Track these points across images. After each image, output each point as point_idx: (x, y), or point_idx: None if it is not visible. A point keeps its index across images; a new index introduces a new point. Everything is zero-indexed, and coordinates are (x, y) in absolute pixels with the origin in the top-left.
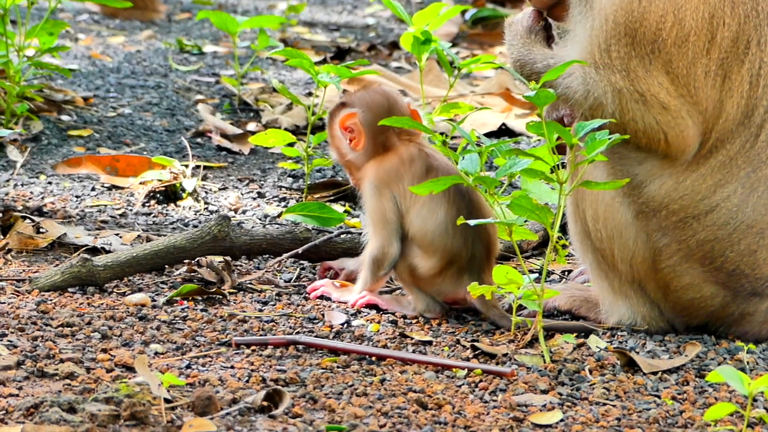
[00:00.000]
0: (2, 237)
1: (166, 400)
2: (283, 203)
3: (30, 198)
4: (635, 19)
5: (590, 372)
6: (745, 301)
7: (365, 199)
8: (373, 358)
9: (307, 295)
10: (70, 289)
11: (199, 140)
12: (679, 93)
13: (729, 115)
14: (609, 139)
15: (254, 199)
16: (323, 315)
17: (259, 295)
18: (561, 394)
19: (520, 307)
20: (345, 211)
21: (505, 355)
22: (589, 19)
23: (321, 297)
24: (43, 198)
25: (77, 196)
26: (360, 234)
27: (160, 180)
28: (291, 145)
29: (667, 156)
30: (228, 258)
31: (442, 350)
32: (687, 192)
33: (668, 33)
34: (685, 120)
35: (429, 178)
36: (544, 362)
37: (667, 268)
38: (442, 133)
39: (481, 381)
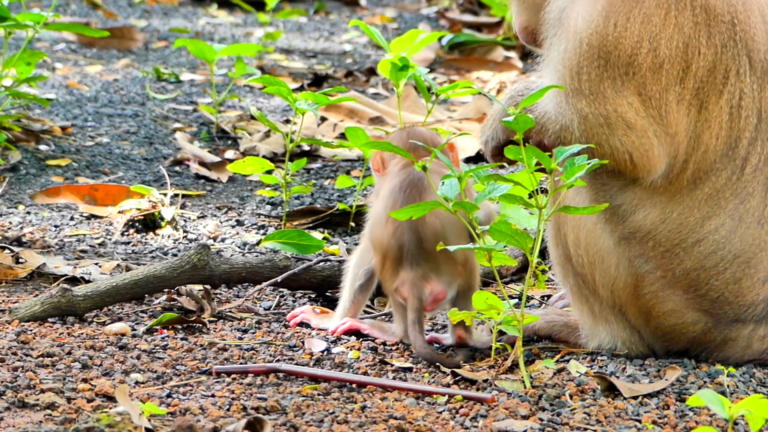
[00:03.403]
0: None
1: (147, 430)
2: (261, 231)
3: (9, 228)
4: (609, 43)
5: (571, 397)
6: (728, 327)
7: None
8: (354, 385)
9: (287, 323)
10: (50, 319)
11: (177, 168)
12: (648, 114)
13: (709, 147)
14: (588, 164)
15: (233, 227)
16: (303, 342)
17: (239, 323)
18: (542, 420)
19: (500, 333)
20: (324, 238)
21: (485, 380)
22: (563, 41)
23: (301, 324)
24: (21, 228)
25: (56, 226)
26: (339, 261)
27: (138, 209)
28: (269, 172)
29: (635, 179)
30: (207, 286)
31: (423, 376)
32: (674, 225)
33: (643, 58)
34: (651, 140)
35: (389, 184)
36: (525, 388)
37: (649, 294)
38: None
39: (461, 407)
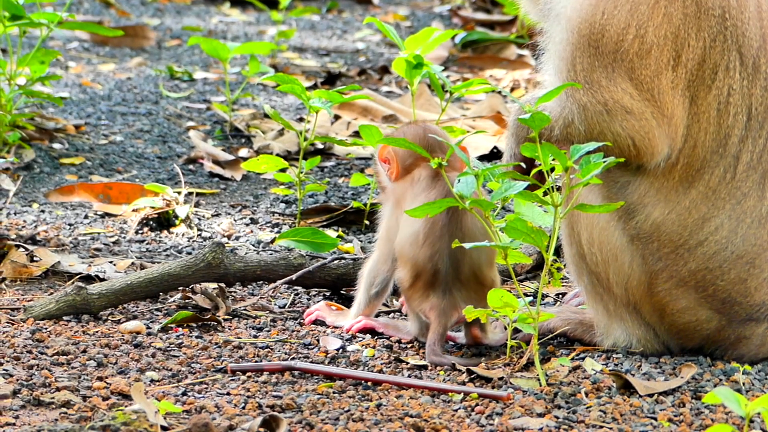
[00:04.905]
0: None
1: (163, 428)
2: (276, 229)
3: (23, 226)
4: (597, 30)
5: (586, 395)
6: (741, 325)
7: (381, 218)
8: (369, 383)
9: (302, 321)
10: (64, 318)
11: (191, 167)
12: (643, 97)
13: (698, 141)
14: (604, 161)
15: (247, 225)
16: (318, 340)
17: (254, 321)
18: (557, 417)
19: (515, 330)
20: (338, 236)
21: (501, 378)
22: (558, 32)
23: (316, 322)
24: (36, 226)
25: (70, 224)
26: (354, 259)
27: (152, 207)
28: (283, 170)
29: (640, 166)
30: (222, 285)
31: (438, 374)
32: (674, 227)
33: (630, 44)
34: (650, 121)
35: (422, 196)
36: (540, 385)
37: (662, 292)
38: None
39: (477, 405)
